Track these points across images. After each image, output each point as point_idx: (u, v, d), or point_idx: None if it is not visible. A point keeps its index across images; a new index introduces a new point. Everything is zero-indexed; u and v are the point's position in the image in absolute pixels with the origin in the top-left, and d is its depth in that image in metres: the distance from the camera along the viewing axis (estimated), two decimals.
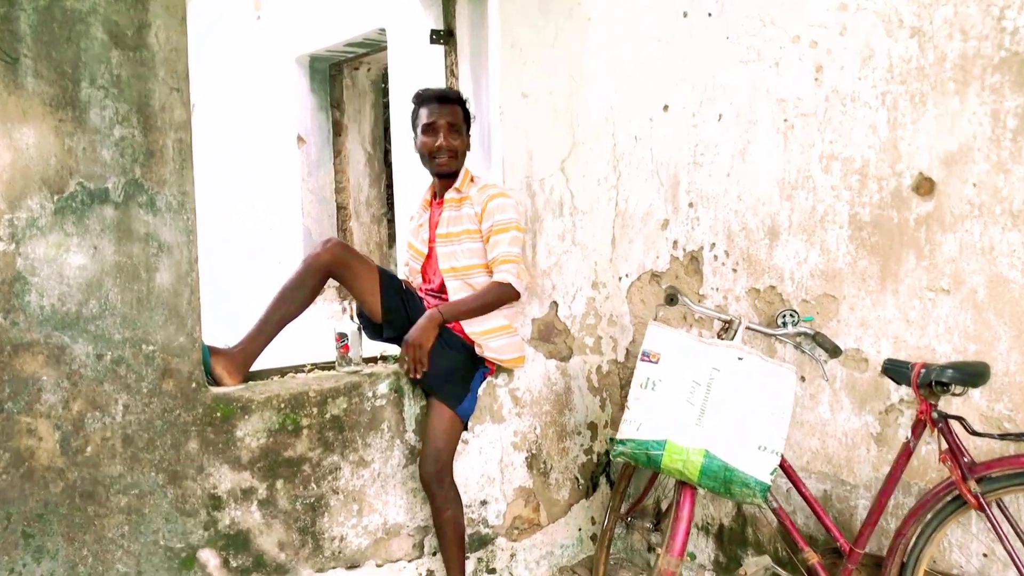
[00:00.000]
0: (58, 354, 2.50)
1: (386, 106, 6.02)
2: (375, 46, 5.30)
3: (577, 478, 3.80)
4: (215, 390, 2.86)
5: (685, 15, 3.42)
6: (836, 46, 2.96)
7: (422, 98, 3.30)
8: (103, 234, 2.55)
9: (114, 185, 2.57)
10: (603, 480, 3.89)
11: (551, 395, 3.69)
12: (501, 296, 3.14)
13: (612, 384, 3.86)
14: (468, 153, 3.36)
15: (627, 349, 3.80)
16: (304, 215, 5.78)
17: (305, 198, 5.79)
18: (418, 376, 3.05)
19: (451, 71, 3.73)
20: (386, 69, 5.92)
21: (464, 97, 3.34)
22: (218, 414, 2.82)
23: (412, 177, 4.47)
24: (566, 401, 3.74)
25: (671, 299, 2.92)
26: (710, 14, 3.33)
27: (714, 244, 3.39)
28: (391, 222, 6.27)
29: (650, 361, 2.96)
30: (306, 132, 5.75)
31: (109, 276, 2.57)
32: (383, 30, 4.88)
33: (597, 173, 3.79)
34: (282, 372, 3.30)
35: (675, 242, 3.54)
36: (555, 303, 3.69)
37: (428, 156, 3.26)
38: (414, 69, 4.31)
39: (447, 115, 3.23)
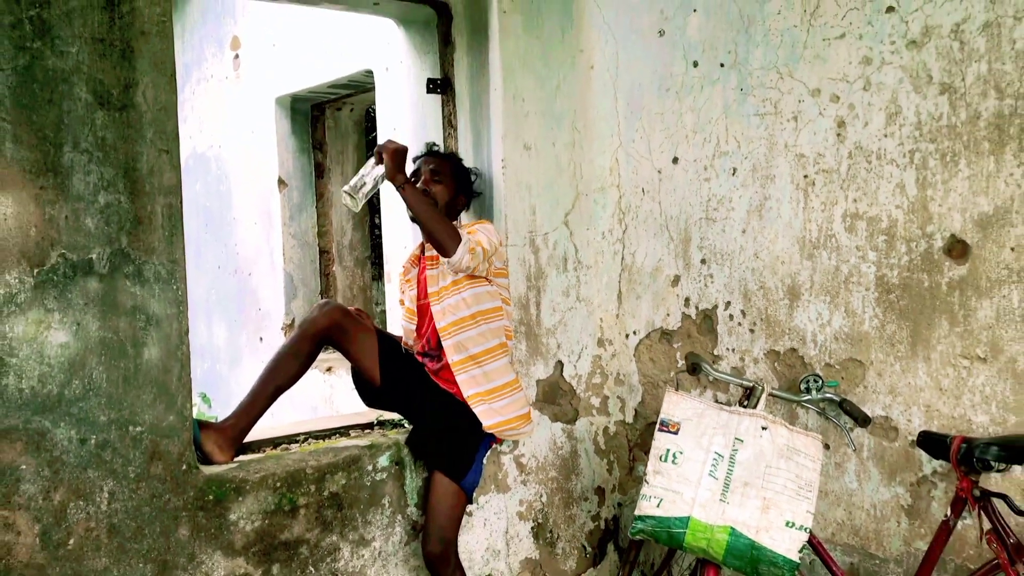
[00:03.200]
0: (38, 440, 2.31)
1: (370, 146, 5.86)
2: (360, 87, 5.15)
3: (584, 546, 3.62)
4: (207, 471, 2.67)
5: (696, 64, 3.27)
6: (859, 101, 2.83)
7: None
8: (87, 309, 2.37)
9: (99, 256, 2.39)
10: (611, 548, 3.70)
11: (557, 460, 3.51)
12: (448, 231, 2.88)
13: (620, 446, 3.69)
14: (463, 212, 3.28)
15: (635, 410, 3.62)
16: (286, 260, 5.58)
17: (287, 243, 5.59)
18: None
19: (448, 121, 3.57)
20: (368, 109, 5.78)
21: (451, 153, 3.37)
22: (210, 497, 2.64)
23: (400, 223, 4.31)
24: (572, 466, 3.56)
25: (694, 368, 2.76)
26: (723, 64, 3.19)
27: (729, 303, 3.24)
28: (375, 264, 6.10)
29: (669, 431, 2.82)
30: (287, 175, 5.57)
31: (93, 354, 2.39)
32: (369, 72, 4.73)
33: (602, 226, 3.63)
34: (275, 443, 3.11)
35: (687, 299, 3.38)
36: (560, 363, 3.51)
37: None
38: (405, 115, 4.14)
39: (430, 163, 3.19)
